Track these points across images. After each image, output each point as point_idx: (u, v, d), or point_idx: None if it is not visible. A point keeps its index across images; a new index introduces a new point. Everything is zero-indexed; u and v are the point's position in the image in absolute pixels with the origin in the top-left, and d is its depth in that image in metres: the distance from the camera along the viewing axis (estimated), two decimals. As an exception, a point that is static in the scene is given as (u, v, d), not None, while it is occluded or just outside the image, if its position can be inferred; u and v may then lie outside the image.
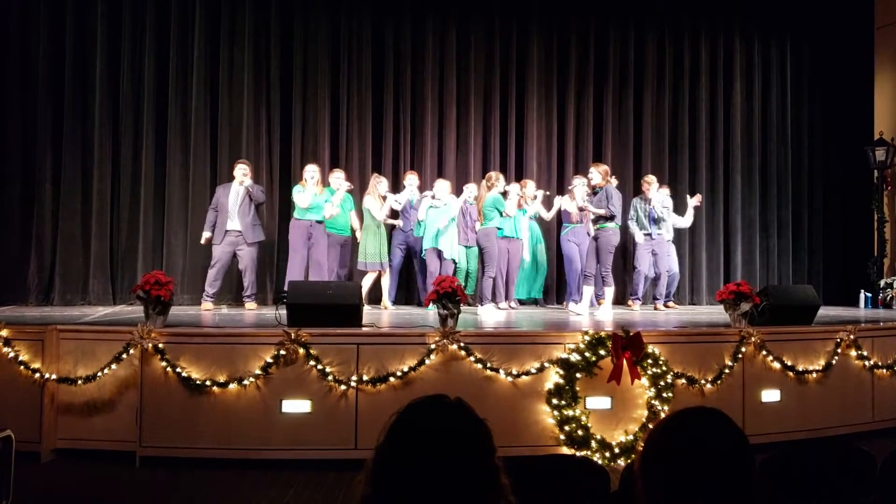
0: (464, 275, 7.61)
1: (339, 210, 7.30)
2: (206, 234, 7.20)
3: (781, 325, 5.19)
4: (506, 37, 9.01)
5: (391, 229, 7.76)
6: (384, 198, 7.57)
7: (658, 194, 7.92)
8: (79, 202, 7.64)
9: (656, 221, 7.82)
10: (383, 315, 6.62)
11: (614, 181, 7.41)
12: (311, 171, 7.20)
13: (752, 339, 4.91)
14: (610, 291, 7.01)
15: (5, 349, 4.37)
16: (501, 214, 7.15)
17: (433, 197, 7.37)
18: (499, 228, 7.24)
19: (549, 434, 4.50)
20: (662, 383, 4.62)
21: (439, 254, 7.29)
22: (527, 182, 8.06)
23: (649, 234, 7.86)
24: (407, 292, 8.33)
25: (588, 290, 6.99)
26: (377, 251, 7.39)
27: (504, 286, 7.57)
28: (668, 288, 8.14)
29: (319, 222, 7.18)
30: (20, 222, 7.52)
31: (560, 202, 7.90)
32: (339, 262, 7.52)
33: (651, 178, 8.02)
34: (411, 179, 7.76)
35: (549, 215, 8.12)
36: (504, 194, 7.28)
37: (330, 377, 4.38)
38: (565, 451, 4.44)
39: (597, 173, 6.95)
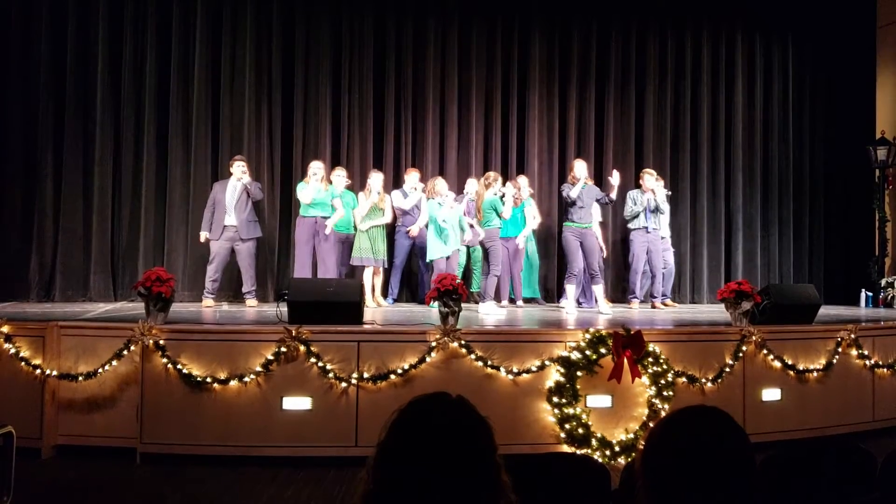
0: (462, 271, 7.58)
1: (343, 211, 7.35)
2: (203, 234, 7.22)
3: (782, 324, 5.19)
4: (507, 34, 8.98)
5: (393, 227, 7.74)
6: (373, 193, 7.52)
7: (657, 186, 7.80)
8: (80, 199, 7.63)
9: (653, 212, 7.76)
10: (377, 312, 6.61)
11: (583, 175, 7.20)
12: (315, 168, 7.24)
13: (753, 337, 4.92)
14: (571, 289, 7.16)
15: (6, 345, 4.37)
16: (499, 216, 7.05)
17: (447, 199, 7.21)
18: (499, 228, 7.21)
19: (549, 432, 4.51)
20: (663, 382, 4.63)
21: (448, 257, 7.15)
22: (517, 181, 7.98)
23: (645, 228, 7.75)
24: (408, 290, 8.33)
25: (571, 289, 7.16)
26: (362, 246, 7.40)
27: (504, 285, 7.54)
28: (664, 285, 8.07)
29: (325, 218, 7.21)
30: (21, 219, 7.52)
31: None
32: (340, 259, 7.52)
33: (652, 172, 7.98)
34: (415, 179, 7.72)
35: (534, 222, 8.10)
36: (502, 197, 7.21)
37: (331, 374, 4.39)
38: (566, 449, 4.44)
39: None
